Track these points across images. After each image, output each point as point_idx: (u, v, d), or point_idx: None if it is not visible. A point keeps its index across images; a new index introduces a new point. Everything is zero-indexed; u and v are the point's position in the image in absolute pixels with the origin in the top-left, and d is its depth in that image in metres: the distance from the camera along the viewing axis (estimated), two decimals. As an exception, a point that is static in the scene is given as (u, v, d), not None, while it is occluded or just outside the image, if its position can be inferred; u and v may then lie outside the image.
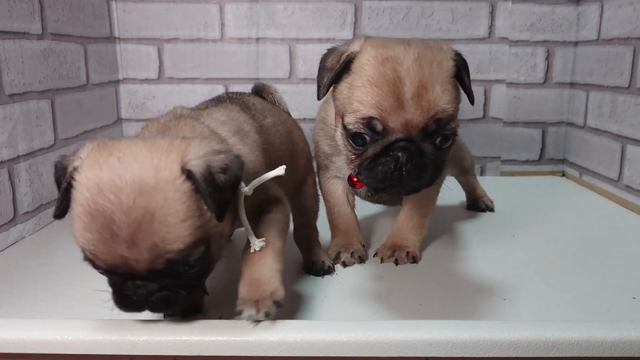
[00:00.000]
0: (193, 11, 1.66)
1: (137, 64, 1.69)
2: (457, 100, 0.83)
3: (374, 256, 1.05)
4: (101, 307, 0.64)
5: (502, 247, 1.11)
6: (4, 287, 0.91)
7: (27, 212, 1.15)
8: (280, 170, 0.73)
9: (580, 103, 1.64)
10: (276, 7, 1.66)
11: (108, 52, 1.61)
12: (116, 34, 1.66)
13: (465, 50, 1.67)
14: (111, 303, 0.65)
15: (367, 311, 0.82)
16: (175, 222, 0.60)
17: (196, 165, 0.62)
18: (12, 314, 0.81)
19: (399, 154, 0.77)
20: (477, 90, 1.71)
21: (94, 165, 0.61)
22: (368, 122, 0.79)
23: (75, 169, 0.62)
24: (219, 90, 1.71)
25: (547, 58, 1.69)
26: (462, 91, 0.86)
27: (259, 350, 0.67)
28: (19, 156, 1.12)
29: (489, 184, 1.44)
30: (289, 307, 0.83)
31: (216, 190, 0.62)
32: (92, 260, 0.63)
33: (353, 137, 0.81)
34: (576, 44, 1.66)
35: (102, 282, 0.66)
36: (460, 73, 0.84)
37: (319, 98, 0.88)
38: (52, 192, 1.25)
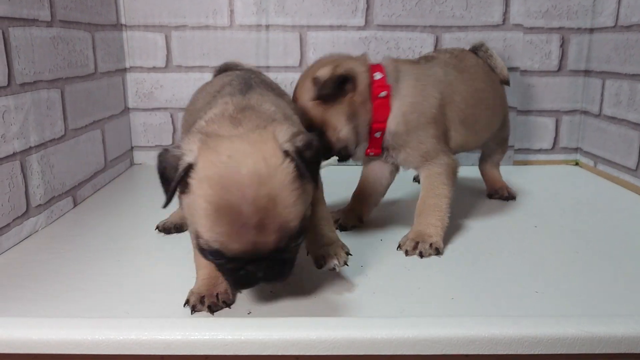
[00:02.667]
0: (201, -3, 1.62)
1: (144, 52, 1.65)
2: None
3: (397, 249, 1.03)
4: (120, 302, 0.62)
5: (526, 239, 1.09)
6: (19, 282, 0.88)
7: (40, 205, 1.12)
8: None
9: (596, 91, 1.62)
10: (286, -7, 1.62)
11: (115, 40, 1.57)
12: (123, 21, 1.61)
13: (479, 37, 1.65)
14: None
15: (399, 306, 0.80)
16: (293, 202, 0.68)
17: (289, 147, 0.69)
18: (30, 311, 0.78)
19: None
20: (491, 78, 1.68)
21: (210, 165, 0.67)
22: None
23: (190, 165, 0.68)
24: (228, 78, 1.68)
25: (561, 45, 1.66)
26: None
27: (298, 349, 0.65)
28: (30, 147, 1.09)
29: (503, 173, 1.42)
30: (316, 302, 0.81)
31: (308, 164, 0.70)
32: (218, 251, 0.68)
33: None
34: (592, 30, 1.63)
35: (116, 277, 0.63)
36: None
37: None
38: (63, 184, 1.22)
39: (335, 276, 0.90)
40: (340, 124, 1.04)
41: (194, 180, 0.67)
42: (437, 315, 0.74)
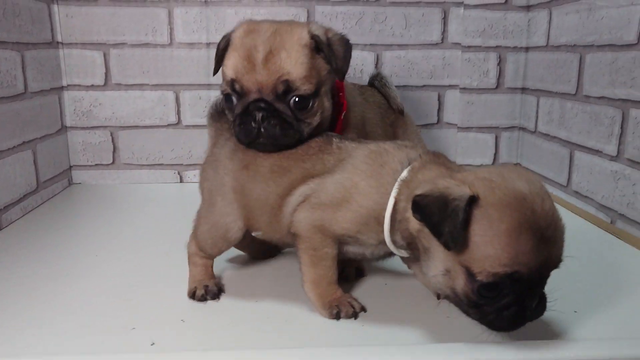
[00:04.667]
0: (140, 15, 1.61)
1: (82, 70, 1.63)
2: (312, 66, 0.91)
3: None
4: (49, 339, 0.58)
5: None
6: None
7: (-44, 231, 1.09)
8: None
9: (532, 108, 1.66)
10: (227, 12, 1.62)
11: (50, 58, 1.54)
12: (59, 39, 1.59)
13: (418, 55, 1.67)
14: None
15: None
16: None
17: None
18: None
19: (255, 112, 0.88)
20: (431, 96, 1.71)
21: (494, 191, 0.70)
22: (230, 83, 0.91)
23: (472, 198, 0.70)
24: (169, 96, 1.66)
25: (499, 63, 1.70)
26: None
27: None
28: (-55, 172, 1.06)
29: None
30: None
31: None
32: (516, 274, 0.68)
33: (225, 99, 0.94)
34: (527, 49, 1.68)
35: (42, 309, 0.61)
36: (320, 47, 0.92)
37: (213, 74, 0.99)
38: (-15, 208, 1.19)
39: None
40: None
41: (483, 209, 0.67)
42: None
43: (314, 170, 0.86)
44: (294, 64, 0.89)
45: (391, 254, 0.85)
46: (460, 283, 0.70)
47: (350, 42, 0.99)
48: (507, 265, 0.66)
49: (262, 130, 0.88)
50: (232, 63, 0.90)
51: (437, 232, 0.69)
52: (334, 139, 0.90)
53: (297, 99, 0.90)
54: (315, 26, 0.94)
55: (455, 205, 0.67)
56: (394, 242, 0.80)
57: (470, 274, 0.68)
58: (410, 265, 0.94)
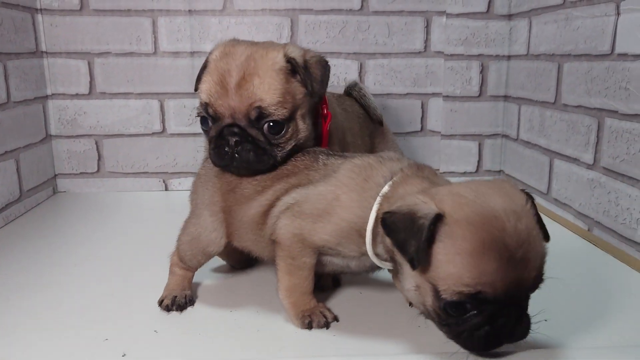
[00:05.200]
0: (124, 24, 1.62)
1: (66, 78, 1.63)
2: (286, 91, 0.91)
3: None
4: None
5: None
6: None
7: None
8: None
9: (513, 116, 1.67)
10: (211, 21, 1.63)
11: (34, 67, 1.54)
12: (43, 48, 1.59)
13: (401, 64, 1.69)
14: None
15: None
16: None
17: None
18: None
19: (229, 137, 0.89)
20: (415, 104, 1.72)
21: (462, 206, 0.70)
22: (204, 107, 0.91)
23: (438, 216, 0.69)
24: (154, 105, 1.67)
25: (481, 71, 1.71)
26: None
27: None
28: None
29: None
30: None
31: None
32: (479, 294, 0.66)
33: (201, 121, 0.94)
34: (509, 58, 1.69)
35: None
36: (296, 70, 0.92)
37: (195, 91, 0.99)
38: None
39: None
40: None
41: (448, 227, 0.66)
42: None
43: (299, 183, 0.87)
44: (266, 90, 0.88)
45: (377, 266, 0.85)
46: (429, 300, 0.70)
47: (328, 63, 0.99)
48: (469, 285, 0.65)
49: (236, 155, 0.89)
50: (206, 87, 0.91)
51: (402, 250, 0.69)
52: (320, 156, 0.90)
53: (271, 124, 0.90)
54: (292, 48, 0.94)
55: (420, 224, 0.67)
56: (377, 254, 0.80)
57: (436, 292, 0.68)
58: (394, 278, 0.94)
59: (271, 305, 0.91)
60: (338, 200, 0.81)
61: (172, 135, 1.70)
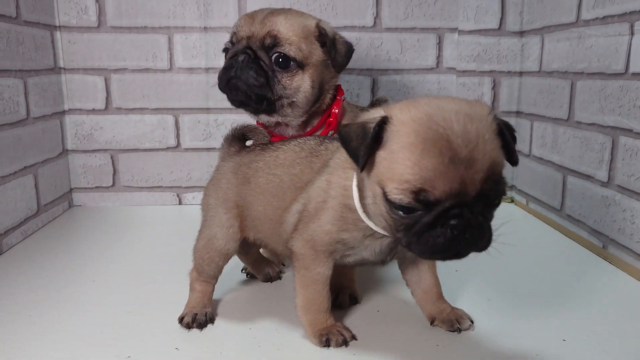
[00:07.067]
0: (141, 41, 1.64)
1: (83, 94, 1.66)
2: (304, 41, 1.06)
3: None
4: None
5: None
6: None
7: (-43, 257, 1.11)
8: None
9: (526, 132, 1.68)
10: (225, 38, 1.64)
11: (52, 84, 1.57)
12: (61, 65, 1.62)
13: (414, 80, 1.70)
14: None
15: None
16: (499, 147, 0.67)
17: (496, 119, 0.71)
18: None
19: (239, 56, 1.07)
20: (427, 119, 1.73)
21: (412, 110, 0.70)
22: (231, 36, 1.12)
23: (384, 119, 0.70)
24: (169, 120, 1.69)
25: (493, 87, 1.72)
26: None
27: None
28: (-53, 199, 1.08)
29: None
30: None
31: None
32: (420, 192, 0.64)
33: (224, 52, 1.15)
34: (521, 74, 1.70)
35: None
36: (323, 40, 1.08)
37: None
38: (-14, 233, 1.21)
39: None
40: None
41: (394, 126, 0.67)
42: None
43: (303, 180, 0.87)
44: (288, 27, 1.03)
45: (392, 251, 0.83)
46: (383, 208, 0.70)
47: (353, 47, 1.11)
48: (410, 182, 0.64)
49: (239, 71, 1.02)
50: (239, 20, 1.09)
51: (354, 157, 0.70)
52: (325, 141, 0.91)
53: (280, 56, 1.02)
54: (325, 23, 1.09)
55: (368, 127, 0.69)
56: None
57: (385, 194, 0.68)
58: (403, 271, 0.95)
59: (290, 321, 0.92)
60: (330, 183, 0.83)
61: (187, 150, 1.72)
